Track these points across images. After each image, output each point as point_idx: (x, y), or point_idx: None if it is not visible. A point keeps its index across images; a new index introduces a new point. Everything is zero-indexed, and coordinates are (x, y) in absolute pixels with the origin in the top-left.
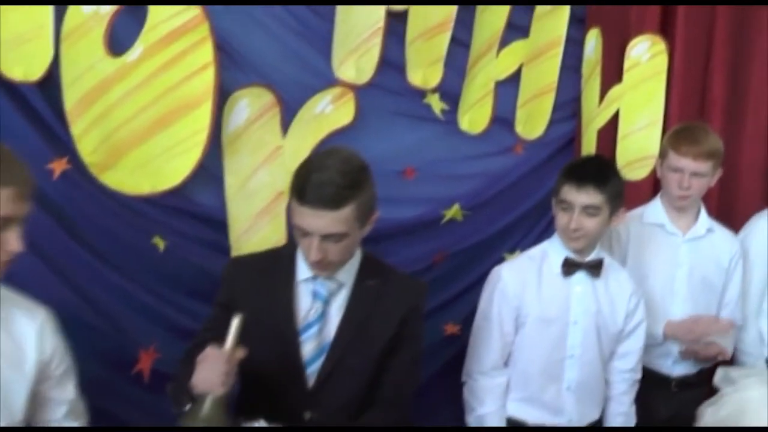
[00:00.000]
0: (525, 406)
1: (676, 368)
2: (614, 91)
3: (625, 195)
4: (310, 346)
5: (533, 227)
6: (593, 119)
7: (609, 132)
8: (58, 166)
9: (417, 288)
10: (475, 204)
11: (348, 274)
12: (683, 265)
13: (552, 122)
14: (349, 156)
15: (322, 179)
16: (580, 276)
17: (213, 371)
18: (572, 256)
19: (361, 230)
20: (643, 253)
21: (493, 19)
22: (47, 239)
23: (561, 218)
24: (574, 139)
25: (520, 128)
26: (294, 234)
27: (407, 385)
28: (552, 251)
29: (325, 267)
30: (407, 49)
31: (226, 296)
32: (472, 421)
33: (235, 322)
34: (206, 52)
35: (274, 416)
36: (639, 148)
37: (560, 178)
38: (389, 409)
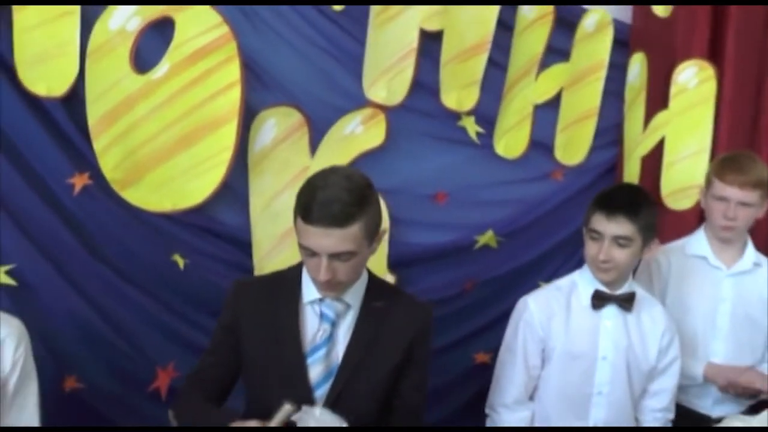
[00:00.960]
0: None
1: (716, 409)
2: (659, 117)
3: (662, 225)
4: (317, 370)
5: (571, 256)
6: (637, 146)
7: (653, 160)
8: (79, 181)
9: (424, 311)
10: (510, 231)
11: (355, 295)
12: (726, 301)
13: (593, 148)
14: (353, 173)
15: (327, 197)
16: (611, 310)
17: None
18: (602, 288)
19: (369, 248)
20: (685, 287)
21: (531, 42)
22: (67, 254)
23: (590, 248)
24: (615, 166)
25: (559, 154)
26: (301, 255)
27: (420, 408)
28: (582, 282)
29: (333, 287)
30: (442, 70)
31: (230, 318)
32: None
33: (285, 409)
34: (233, 71)
35: None
36: (685, 176)
37: (591, 207)
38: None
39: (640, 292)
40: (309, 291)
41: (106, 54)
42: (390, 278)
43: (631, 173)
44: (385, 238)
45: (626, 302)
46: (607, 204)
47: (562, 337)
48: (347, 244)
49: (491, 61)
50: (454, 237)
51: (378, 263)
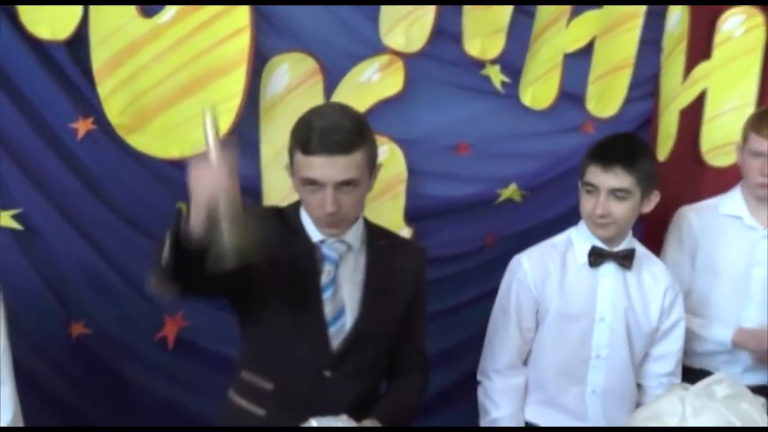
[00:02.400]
0: (543, 410)
1: (746, 377)
2: (701, 68)
3: (702, 183)
4: (328, 309)
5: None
6: (675, 98)
7: (693, 113)
8: (83, 126)
9: (422, 252)
10: (535, 185)
11: (355, 235)
12: (761, 264)
13: (627, 100)
14: (346, 105)
15: (328, 125)
16: (609, 268)
17: (208, 177)
18: (600, 245)
19: (369, 181)
20: (716, 248)
21: None
22: (73, 199)
23: (586, 203)
24: (651, 119)
25: (591, 105)
26: (301, 194)
27: (425, 347)
28: (578, 239)
29: (337, 223)
30: (464, 16)
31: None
32: (485, 425)
33: (208, 119)
34: (242, 16)
35: (293, 372)
36: (727, 132)
37: (585, 159)
38: (423, 372)
39: (640, 249)
40: (311, 233)
41: None
42: (406, 231)
43: (668, 127)
44: (402, 189)
45: (625, 259)
46: (603, 155)
47: (557, 297)
48: (352, 171)
49: (518, 7)
50: (475, 190)
51: (394, 215)
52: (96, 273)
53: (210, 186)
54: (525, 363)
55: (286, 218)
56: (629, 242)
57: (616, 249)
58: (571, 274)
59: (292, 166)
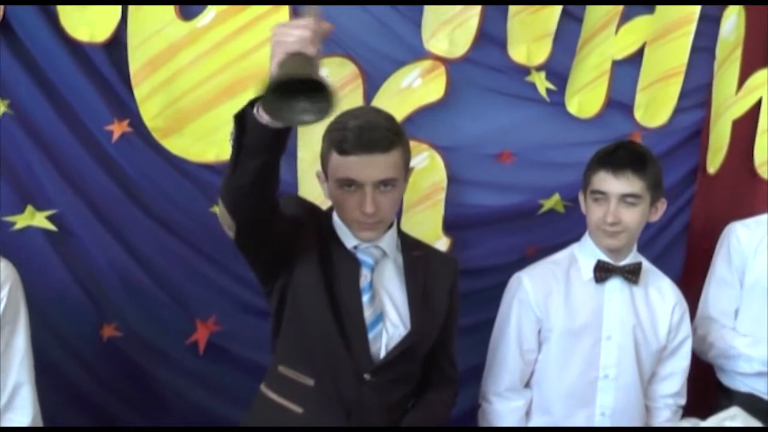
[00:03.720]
0: None
1: None
2: (757, 77)
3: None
4: (367, 313)
5: (646, 226)
6: (728, 108)
7: (747, 124)
8: (118, 129)
9: (454, 262)
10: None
11: (389, 242)
12: None
13: (678, 110)
14: (377, 107)
15: (364, 124)
16: (615, 283)
17: (295, 29)
18: (606, 258)
19: (404, 183)
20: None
21: None
22: (108, 201)
23: (595, 212)
24: (701, 130)
25: (639, 114)
26: (336, 197)
27: (456, 360)
28: (581, 255)
29: (375, 225)
30: (510, 21)
31: (302, 218)
32: None
33: (312, 8)
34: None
35: (334, 372)
36: None
37: (591, 167)
38: (453, 386)
39: (646, 264)
40: (345, 239)
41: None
42: (444, 241)
43: (720, 138)
44: (442, 197)
45: (632, 274)
46: (612, 161)
47: (561, 315)
48: (390, 170)
49: (566, 12)
50: (517, 200)
51: (433, 224)
52: (129, 276)
53: (300, 37)
54: (527, 385)
55: (321, 217)
56: (635, 256)
57: (623, 263)
58: (575, 291)
59: (326, 171)
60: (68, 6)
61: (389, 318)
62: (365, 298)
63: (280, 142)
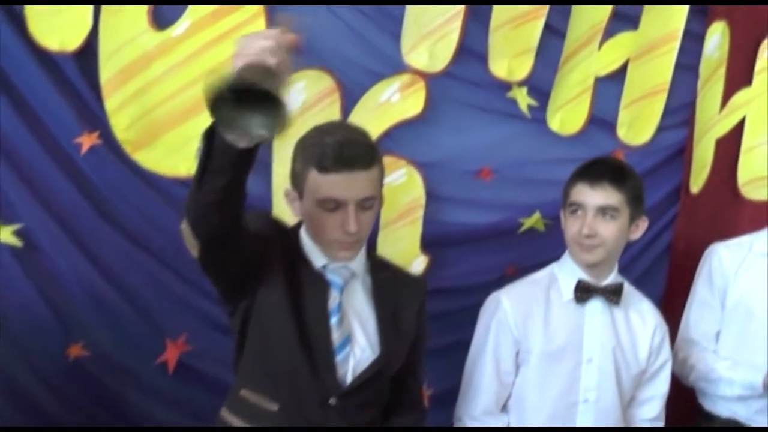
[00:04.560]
0: None
1: None
2: (740, 95)
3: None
4: (335, 335)
5: (627, 247)
6: (711, 127)
7: (730, 143)
8: (87, 141)
9: (423, 284)
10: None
11: (359, 263)
12: None
13: (661, 128)
14: (349, 122)
15: (343, 140)
16: (596, 304)
17: (257, 40)
18: (586, 278)
19: (381, 201)
20: (749, 287)
21: (595, 7)
22: (76, 215)
23: (572, 225)
24: (684, 148)
25: (622, 132)
26: (314, 217)
27: (423, 383)
28: (562, 274)
29: (354, 244)
30: (491, 36)
31: (269, 234)
32: None
33: (283, 17)
34: (259, 29)
35: (298, 396)
36: (766, 163)
37: (570, 181)
38: (422, 411)
39: (626, 285)
40: (314, 258)
41: (122, 8)
42: (422, 259)
43: (703, 157)
44: (420, 215)
45: (614, 294)
46: (590, 173)
47: (540, 337)
48: (371, 187)
49: (548, 27)
50: (497, 218)
51: (411, 242)
52: (97, 293)
53: (260, 48)
54: (504, 408)
55: (288, 235)
56: (616, 276)
57: (604, 283)
58: (555, 311)
59: (300, 189)
60: (37, 13)
61: (357, 341)
62: (333, 320)
63: (246, 161)
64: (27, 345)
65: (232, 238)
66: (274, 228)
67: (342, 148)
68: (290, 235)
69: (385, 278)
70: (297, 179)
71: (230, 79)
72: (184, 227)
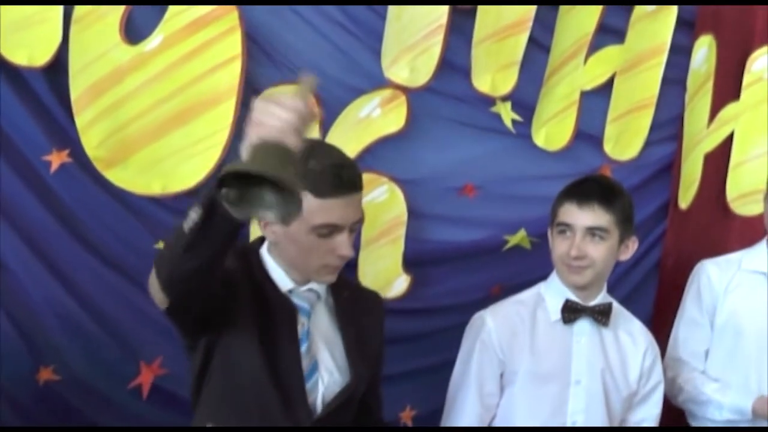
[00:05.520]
0: None
1: None
2: (728, 109)
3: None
4: (304, 363)
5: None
6: (699, 142)
7: (719, 158)
8: (57, 159)
9: (379, 299)
10: (546, 231)
11: (322, 284)
12: None
13: (648, 143)
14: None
15: (336, 163)
16: (584, 325)
17: (279, 110)
18: (574, 298)
19: None
20: (739, 306)
21: (581, 20)
22: (45, 236)
23: (559, 246)
24: (673, 163)
25: (609, 147)
26: (303, 243)
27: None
28: (549, 295)
29: (340, 267)
30: (474, 49)
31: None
32: None
33: (308, 80)
34: (234, 44)
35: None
36: (755, 178)
37: (557, 200)
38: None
39: (616, 306)
40: (281, 281)
41: (94, 22)
42: (405, 278)
43: (692, 172)
44: (402, 232)
45: (602, 315)
46: (578, 193)
47: (526, 358)
48: (360, 209)
49: (532, 41)
50: (481, 235)
51: (392, 261)
52: (68, 314)
53: (276, 122)
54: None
55: (250, 258)
56: (605, 296)
57: (592, 303)
58: (542, 332)
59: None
60: (5, 27)
61: (324, 365)
62: (303, 348)
63: (240, 228)
64: None
65: (207, 291)
66: (239, 257)
67: (339, 171)
68: (251, 257)
69: (346, 297)
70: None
71: (245, 167)
72: (153, 282)
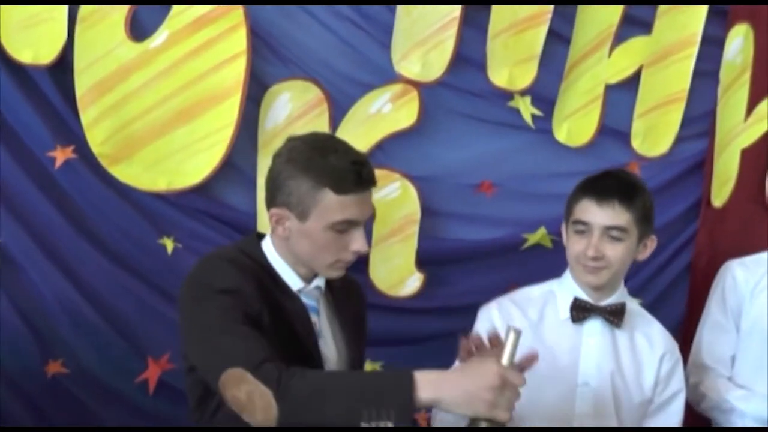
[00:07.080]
0: None
1: None
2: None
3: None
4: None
5: (644, 265)
6: (736, 137)
7: (757, 153)
8: (61, 155)
9: (359, 284)
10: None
11: (321, 278)
12: None
13: (679, 139)
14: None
15: (355, 160)
16: (595, 325)
17: (513, 394)
18: (584, 297)
19: None
20: (766, 309)
21: (604, 11)
22: (53, 232)
23: (575, 244)
24: (705, 160)
25: (637, 143)
26: (321, 241)
27: None
28: (561, 292)
29: (351, 262)
30: (490, 43)
31: (248, 307)
32: None
33: (511, 338)
34: (239, 40)
35: None
36: None
37: (574, 195)
38: None
39: (634, 307)
40: (290, 281)
41: (99, 20)
42: (418, 277)
43: (727, 168)
44: (414, 230)
45: (613, 315)
46: (597, 189)
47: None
48: (373, 204)
49: (552, 33)
50: (498, 234)
51: (405, 259)
52: (75, 309)
53: (492, 403)
54: None
55: (256, 260)
56: (620, 296)
57: (604, 303)
58: (550, 330)
59: (306, 212)
60: (11, 25)
61: (329, 359)
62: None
63: None
64: (4, 362)
65: None
66: (246, 273)
67: (360, 168)
68: (255, 265)
69: (338, 288)
70: (300, 200)
71: None
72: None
